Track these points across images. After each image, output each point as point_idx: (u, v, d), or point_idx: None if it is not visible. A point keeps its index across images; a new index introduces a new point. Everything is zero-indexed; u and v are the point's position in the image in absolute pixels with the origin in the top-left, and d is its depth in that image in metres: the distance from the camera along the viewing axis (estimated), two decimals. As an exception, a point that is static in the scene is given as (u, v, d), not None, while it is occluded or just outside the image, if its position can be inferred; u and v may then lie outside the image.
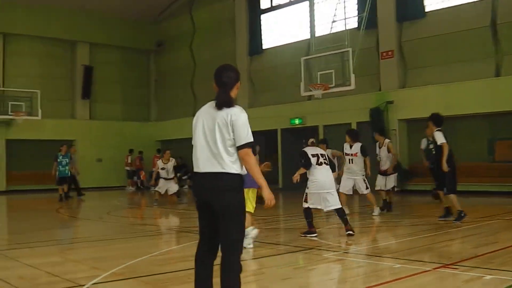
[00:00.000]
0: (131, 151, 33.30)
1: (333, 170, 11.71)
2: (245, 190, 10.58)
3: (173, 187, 20.57)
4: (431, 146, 16.14)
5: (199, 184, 5.31)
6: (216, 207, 5.16)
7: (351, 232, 10.83)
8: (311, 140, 11.99)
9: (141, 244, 10.78)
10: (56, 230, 14.46)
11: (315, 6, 25.87)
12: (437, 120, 12.99)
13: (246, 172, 5.26)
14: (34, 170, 31.33)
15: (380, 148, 16.25)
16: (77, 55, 35.29)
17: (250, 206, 9.65)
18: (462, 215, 12.28)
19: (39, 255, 9.49)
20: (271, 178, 20.83)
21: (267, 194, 5.25)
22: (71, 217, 18.15)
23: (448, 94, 22.23)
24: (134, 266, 8.15)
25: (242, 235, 5.27)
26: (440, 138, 12.50)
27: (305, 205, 11.15)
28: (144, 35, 37.70)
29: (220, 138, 5.16)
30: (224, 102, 5.21)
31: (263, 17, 31.29)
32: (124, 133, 35.33)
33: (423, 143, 17.52)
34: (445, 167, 12.16)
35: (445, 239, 10.37)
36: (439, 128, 12.77)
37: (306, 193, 11.25)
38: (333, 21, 23.06)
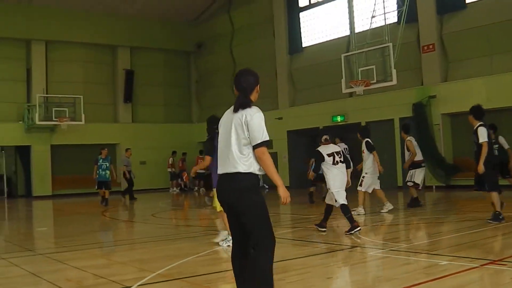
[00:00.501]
0: (174, 153, 33.51)
1: (348, 167, 11.72)
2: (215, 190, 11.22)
3: None
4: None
5: (220, 186, 5.45)
6: (236, 208, 5.30)
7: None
8: (324, 137, 11.84)
9: (186, 245, 10.82)
10: (102, 233, 14.61)
11: (354, 2, 25.68)
12: (477, 112, 12.02)
13: (264, 172, 5.35)
14: (78, 175, 31.82)
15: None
16: (118, 59, 35.69)
17: (218, 206, 9.84)
18: (501, 217, 11.41)
19: (85, 257, 9.59)
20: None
21: (283, 192, 5.32)
22: (116, 219, 18.33)
23: (492, 86, 21.87)
24: (179, 267, 8.18)
25: (267, 234, 5.27)
26: (483, 135, 11.53)
27: (338, 204, 11.10)
28: (183, 37, 37.90)
29: (235, 139, 5.30)
30: (240, 105, 5.36)
31: (302, 15, 31.20)
32: (166, 135, 35.63)
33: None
34: (481, 168, 11.29)
35: (492, 235, 10.19)
36: (482, 123, 11.78)
37: (332, 192, 11.22)
38: (373, 16, 22.88)
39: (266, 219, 5.28)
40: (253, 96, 5.46)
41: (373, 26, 22.97)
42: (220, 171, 5.40)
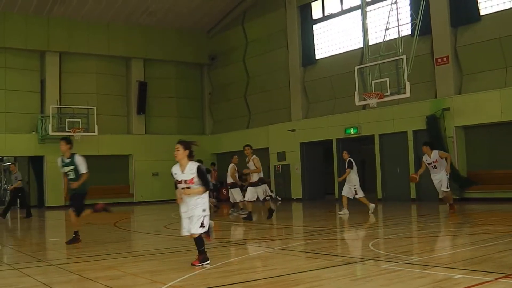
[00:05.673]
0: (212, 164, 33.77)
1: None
2: None
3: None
4: None
5: None
6: None
7: None
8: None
9: (198, 257, 10.77)
10: (114, 244, 14.58)
11: (368, 15, 25.67)
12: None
13: None
14: (91, 185, 31.78)
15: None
16: (132, 71, 35.83)
17: None
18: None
19: (98, 268, 9.57)
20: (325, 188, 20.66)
21: None
22: (128, 231, 18.33)
23: (506, 99, 21.79)
24: (191, 279, 8.14)
25: None
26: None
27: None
28: (197, 49, 38.00)
29: None
30: None
31: (315, 27, 31.25)
32: (179, 147, 35.59)
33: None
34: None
35: (507, 248, 10.08)
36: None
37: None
38: (386, 29, 22.85)
39: None
40: None
41: (387, 38, 22.93)
42: None
